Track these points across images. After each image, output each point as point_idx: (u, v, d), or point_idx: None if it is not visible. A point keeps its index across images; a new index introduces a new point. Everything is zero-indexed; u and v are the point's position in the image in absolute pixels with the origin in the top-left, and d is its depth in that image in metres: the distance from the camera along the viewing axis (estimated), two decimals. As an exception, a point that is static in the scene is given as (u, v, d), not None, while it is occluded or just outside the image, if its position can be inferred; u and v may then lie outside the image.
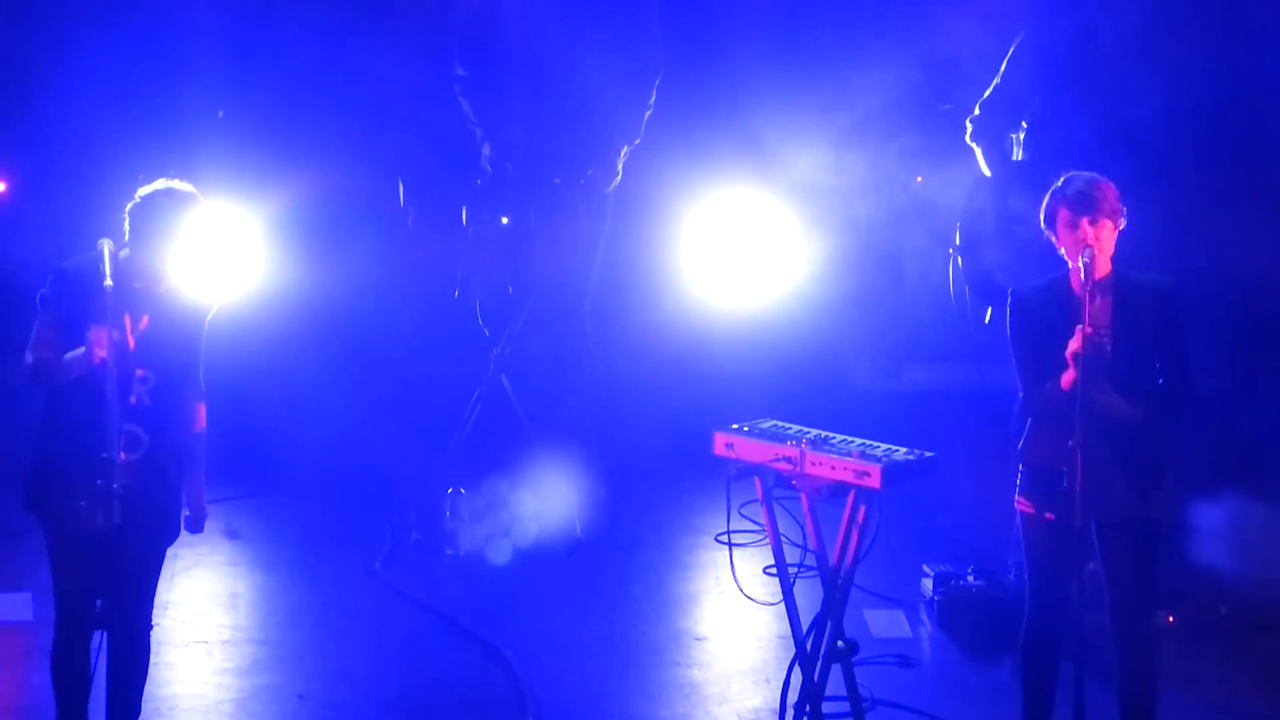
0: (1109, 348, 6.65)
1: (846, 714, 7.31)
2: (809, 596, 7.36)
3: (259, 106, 10.39)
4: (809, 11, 10.89)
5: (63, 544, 6.54)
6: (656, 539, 10.00)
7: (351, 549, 9.59)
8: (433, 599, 8.96)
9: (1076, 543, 6.52)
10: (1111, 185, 6.72)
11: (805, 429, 7.31)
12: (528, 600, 9.04)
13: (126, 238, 6.56)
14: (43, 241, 9.22)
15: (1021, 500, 6.82)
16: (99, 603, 6.58)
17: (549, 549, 9.67)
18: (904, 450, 7.12)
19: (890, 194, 10.40)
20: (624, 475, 10.52)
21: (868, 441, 7.18)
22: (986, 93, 9.12)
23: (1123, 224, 6.70)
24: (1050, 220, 6.75)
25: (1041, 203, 6.81)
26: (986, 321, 8.86)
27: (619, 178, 10.15)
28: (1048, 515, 6.68)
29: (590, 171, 10.07)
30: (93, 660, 6.62)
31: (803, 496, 7.18)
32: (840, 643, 7.23)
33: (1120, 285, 6.71)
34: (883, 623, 8.72)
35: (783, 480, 7.18)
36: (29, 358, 6.51)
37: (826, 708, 7.31)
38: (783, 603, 7.33)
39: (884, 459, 7.01)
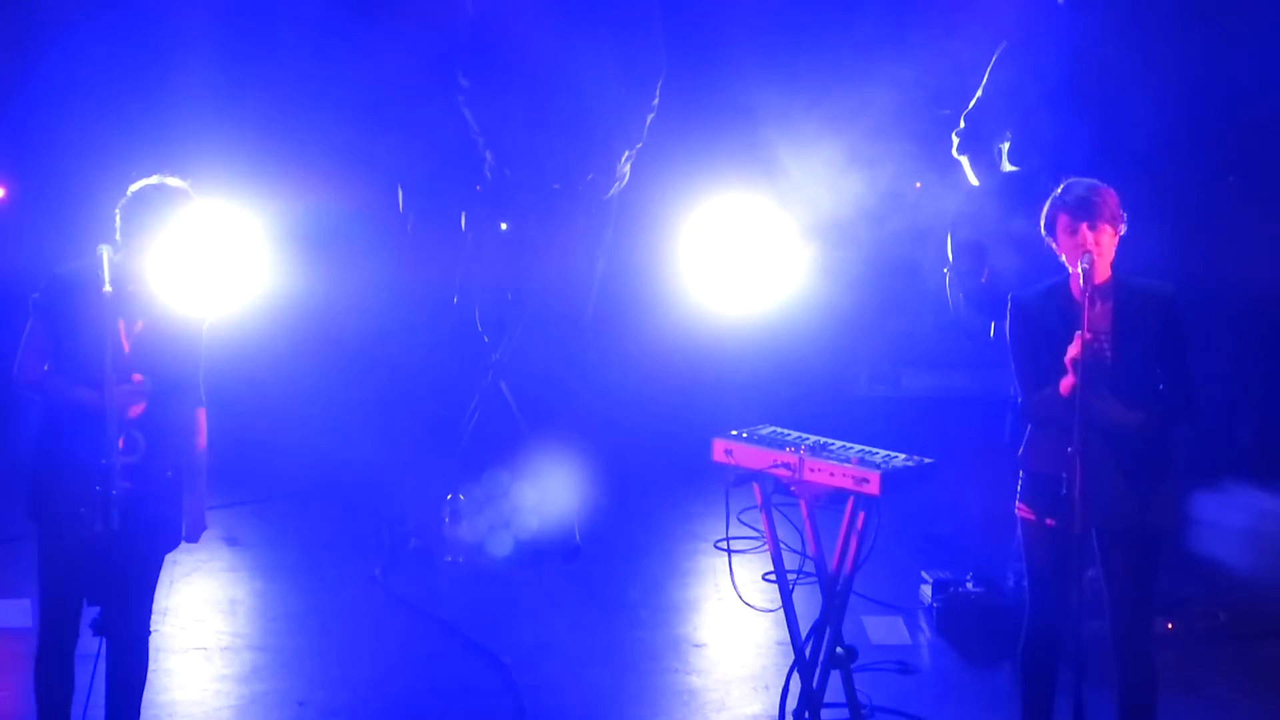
0: (1109, 353, 6.65)
1: (845, 720, 7.33)
2: (808, 603, 7.37)
3: (259, 113, 10.39)
4: (810, 16, 10.89)
5: (57, 551, 6.53)
6: (655, 545, 10.00)
7: (350, 556, 9.59)
8: (432, 606, 8.96)
9: (1076, 550, 6.52)
10: (1112, 191, 6.73)
11: (804, 435, 7.31)
12: (526, 607, 9.03)
13: (118, 235, 6.52)
14: (44, 247, 9.22)
15: (1021, 506, 6.82)
16: (97, 609, 6.58)
17: (548, 555, 9.67)
18: (903, 456, 7.12)
19: (890, 200, 10.39)
20: (623, 481, 10.51)
21: (867, 448, 7.19)
22: (970, 104, 9.11)
23: (1123, 230, 6.70)
24: (1050, 226, 6.76)
25: (1037, 213, 6.83)
26: (991, 335, 8.83)
27: (620, 183, 10.15)
28: (1048, 521, 6.68)
29: (590, 177, 10.07)
30: (91, 667, 6.62)
31: (802, 503, 7.19)
32: (839, 649, 7.23)
33: (1121, 291, 6.71)
34: (882, 629, 8.72)
35: (782, 486, 7.19)
36: (23, 370, 6.50)
37: (825, 714, 7.32)
38: (782, 609, 7.33)
39: (883, 465, 7.02)
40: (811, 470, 7.07)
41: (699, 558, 9.78)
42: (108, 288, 6.35)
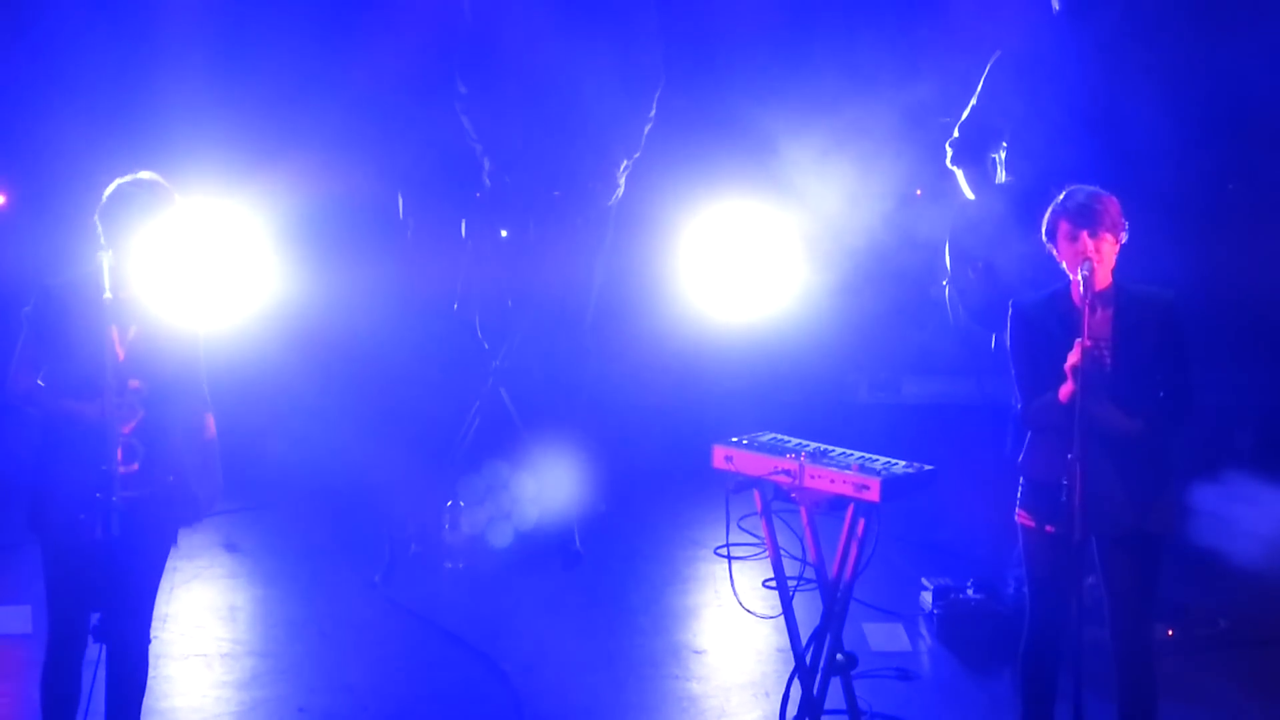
0: (1108, 360, 6.66)
1: (846, 727, 7.32)
2: (808, 610, 7.37)
3: (258, 120, 10.39)
4: (810, 24, 10.90)
5: (60, 560, 6.53)
6: (655, 552, 9.99)
7: (350, 562, 9.58)
8: (431, 612, 8.96)
9: (1076, 557, 6.53)
10: (1114, 199, 6.74)
11: (804, 442, 7.31)
12: (526, 613, 9.03)
13: (102, 240, 6.50)
14: (44, 254, 9.22)
15: (1022, 513, 6.82)
16: (97, 615, 6.58)
17: (548, 561, 9.67)
18: (903, 463, 7.12)
19: (890, 207, 10.40)
20: (623, 488, 10.52)
21: (867, 454, 7.19)
22: (964, 114, 9.11)
23: (1124, 238, 6.71)
24: (1051, 233, 6.77)
25: (1034, 223, 6.84)
26: (992, 347, 8.83)
27: (619, 191, 10.15)
28: (1048, 528, 6.68)
29: (590, 185, 10.07)
30: (91, 673, 6.62)
31: (802, 509, 7.19)
32: (839, 656, 7.23)
33: (1121, 298, 6.72)
34: (882, 636, 8.71)
35: (782, 493, 7.19)
36: (15, 383, 6.49)
37: (826, 721, 7.32)
38: (782, 616, 7.33)
39: (883, 472, 7.02)
40: (812, 477, 7.07)
41: (699, 564, 9.78)
42: (108, 294, 6.34)
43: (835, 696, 7.30)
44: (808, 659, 7.28)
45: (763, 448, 7.27)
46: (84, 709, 6.67)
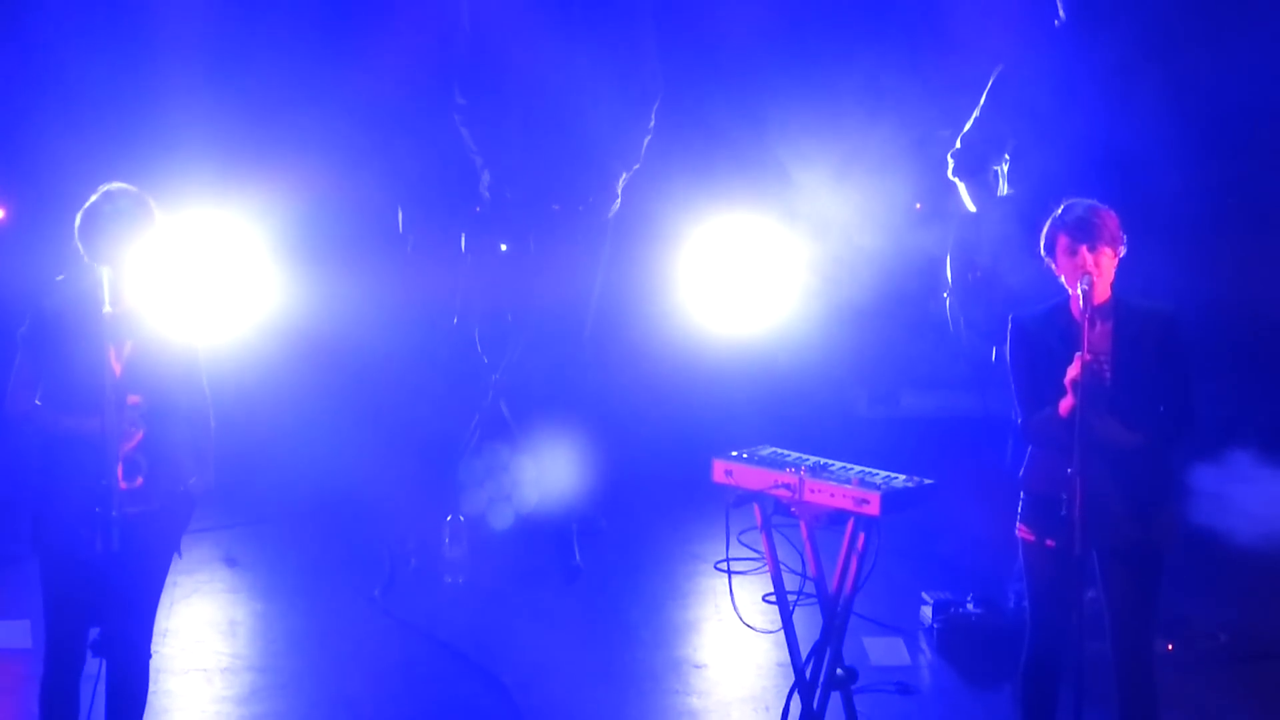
0: (1108, 374, 6.66)
1: (846, 742, 7.31)
2: (808, 624, 7.36)
3: (259, 134, 10.40)
4: (810, 36, 10.91)
5: (59, 575, 6.52)
6: (655, 566, 9.99)
7: (350, 576, 9.57)
8: (431, 626, 8.95)
9: (1076, 571, 6.52)
10: (1112, 213, 6.74)
11: (804, 456, 7.31)
12: (526, 627, 9.02)
13: (86, 261, 6.49)
14: (45, 269, 9.21)
15: (1022, 527, 6.82)
16: (97, 630, 6.57)
17: (548, 576, 9.66)
18: (903, 477, 7.12)
19: (891, 220, 10.40)
20: (623, 502, 10.52)
21: (867, 468, 7.18)
22: (966, 126, 9.12)
23: (1123, 251, 6.71)
24: (1050, 247, 6.76)
25: (1036, 236, 6.84)
26: (993, 360, 8.84)
27: (618, 203, 10.15)
28: (1048, 543, 6.68)
29: (589, 198, 10.07)
30: (91, 688, 6.62)
31: (802, 524, 7.18)
32: (839, 670, 7.22)
33: (1120, 311, 6.72)
34: (882, 650, 8.70)
35: (782, 507, 7.18)
36: (13, 404, 6.49)
37: (826, 736, 7.32)
38: (782, 630, 7.33)
39: (883, 486, 7.01)
40: (812, 491, 7.07)
41: (699, 578, 9.77)
42: (108, 308, 6.34)
43: (835, 711, 7.29)
44: (808, 673, 7.27)
45: (762, 462, 7.27)
46: (84, 724, 6.67)
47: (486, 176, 10.14)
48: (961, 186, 9.14)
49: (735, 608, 7.47)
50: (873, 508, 6.94)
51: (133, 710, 6.75)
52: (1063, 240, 6.69)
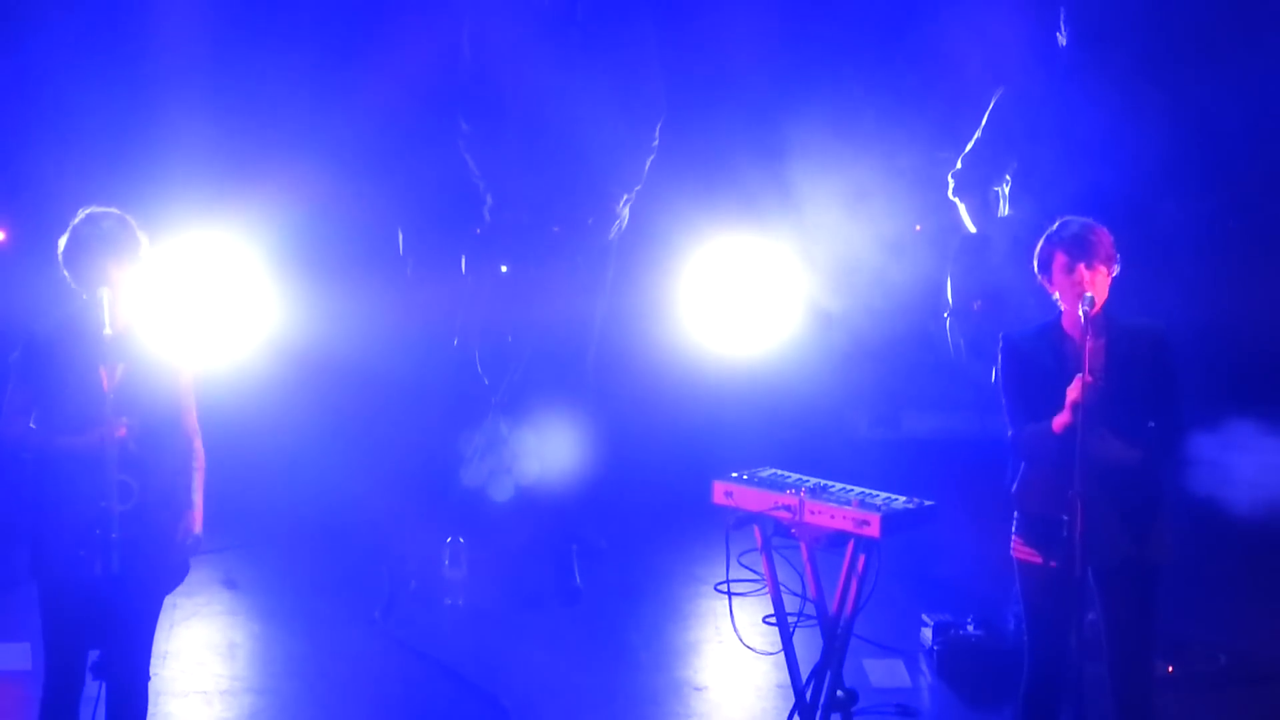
0: (1101, 390, 6.65)
1: (846, 763, 7.30)
2: (808, 646, 7.35)
3: (259, 157, 10.40)
4: (812, 58, 10.91)
5: (58, 597, 6.51)
6: (655, 588, 9.98)
7: (350, 599, 9.56)
8: (431, 648, 8.94)
9: (1075, 592, 6.51)
10: (1106, 231, 6.75)
11: (804, 477, 7.31)
12: (526, 649, 9.01)
13: (73, 285, 6.49)
14: (44, 291, 9.22)
15: (1018, 547, 6.81)
16: (97, 653, 6.56)
17: (548, 598, 9.65)
18: (903, 499, 7.12)
19: (891, 242, 10.41)
20: (623, 523, 10.50)
21: (867, 490, 7.19)
22: (968, 147, 9.12)
23: (1117, 270, 6.72)
24: (1045, 265, 6.76)
25: (1034, 251, 6.84)
26: (993, 380, 8.84)
27: (620, 225, 10.15)
28: (1051, 563, 6.66)
29: (590, 220, 10.07)
30: (91, 711, 6.60)
31: (802, 545, 7.19)
32: (840, 692, 7.22)
33: (1112, 328, 6.73)
34: (882, 672, 8.69)
35: (782, 529, 7.18)
36: (8, 429, 6.48)
37: (826, 758, 7.30)
38: (782, 652, 7.32)
39: (883, 507, 7.01)
40: (812, 512, 7.07)
41: (699, 600, 9.76)
42: (108, 330, 6.34)
43: (836, 733, 7.29)
44: (808, 695, 7.27)
45: (763, 483, 7.27)
46: (84, 746, 6.66)
47: (488, 198, 10.13)
48: (962, 207, 9.15)
49: (735, 629, 7.46)
50: (873, 529, 6.94)
51: (132, 732, 6.75)
52: (1060, 258, 6.70)
